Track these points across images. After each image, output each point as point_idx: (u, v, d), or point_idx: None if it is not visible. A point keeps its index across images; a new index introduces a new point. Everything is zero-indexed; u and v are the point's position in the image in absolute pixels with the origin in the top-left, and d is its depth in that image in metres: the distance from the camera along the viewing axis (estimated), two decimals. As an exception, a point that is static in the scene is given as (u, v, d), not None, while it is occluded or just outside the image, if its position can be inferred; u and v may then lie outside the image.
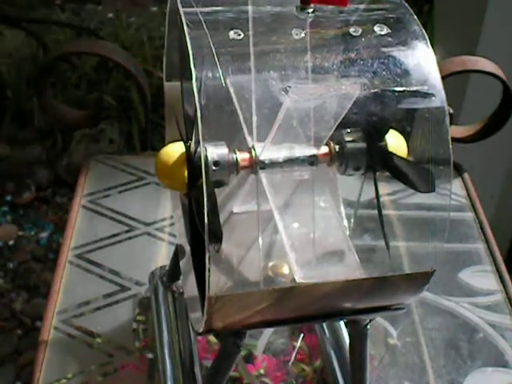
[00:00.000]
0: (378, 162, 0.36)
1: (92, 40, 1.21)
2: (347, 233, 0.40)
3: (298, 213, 0.36)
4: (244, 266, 0.38)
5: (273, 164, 0.34)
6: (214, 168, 0.33)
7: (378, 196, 0.37)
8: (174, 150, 0.33)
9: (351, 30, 0.36)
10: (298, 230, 0.36)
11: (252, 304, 0.34)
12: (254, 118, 0.34)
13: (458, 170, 0.71)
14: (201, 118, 0.30)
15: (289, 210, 0.35)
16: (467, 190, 0.70)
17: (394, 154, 0.35)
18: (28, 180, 1.30)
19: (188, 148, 0.33)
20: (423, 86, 0.35)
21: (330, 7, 0.35)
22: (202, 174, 0.31)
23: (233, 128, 0.35)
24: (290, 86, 0.34)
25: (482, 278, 0.62)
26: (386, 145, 0.35)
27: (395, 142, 0.36)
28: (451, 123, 0.34)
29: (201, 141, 0.31)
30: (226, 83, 0.34)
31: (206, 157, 0.33)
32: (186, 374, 0.49)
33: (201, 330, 0.34)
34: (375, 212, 0.39)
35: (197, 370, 0.50)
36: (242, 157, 0.34)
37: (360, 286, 0.35)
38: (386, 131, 0.35)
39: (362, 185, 0.38)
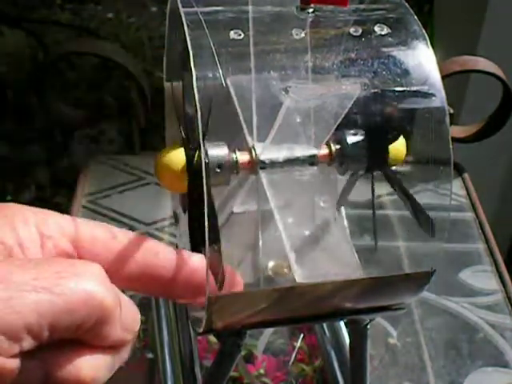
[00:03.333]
0: (377, 163, 0.36)
1: (92, 40, 1.21)
2: (347, 233, 0.40)
3: (298, 213, 0.36)
4: (244, 266, 0.38)
5: (273, 164, 0.34)
6: (216, 170, 0.33)
7: (406, 192, 0.37)
8: (174, 151, 0.33)
9: (351, 30, 0.36)
10: (298, 229, 0.36)
11: (252, 304, 0.34)
12: (254, 118, 0.34)
13: (458, 170, 0.71)
14: (201, 118, 0.30)
15: (289, 210, 0.35)
16: (467, 190, 0.70)
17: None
18: (28, 180, 1.30)
19: (188, 148, 0.33)
20: (423, 86, 0.35)
21: (330, 7, 0.35)
22: (203, 175, 0.31)
23: (233, 128, 0.35)
24: (290, 86, 0.34)
25: (482, 278, 0.62)
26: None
27: (395, 143, 0.36)
28: (451, 123, 0.34)
29: (201, 141, 0.31)
30: (226, 83, 0.34)
31: (206, 157, 0.33)
32: (186, 374, 0.49)
33: (201, 330, 0.34)
34: (376, 212, 0.39)
35: (197, 369, 0.50)
36: (242, 157, 0.34)
37: (360, 286, 0.35)
38: (393, 138, 0.35)
39: (372, 185, 0.38)
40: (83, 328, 0.25)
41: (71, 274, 0.25)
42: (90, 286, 0.25)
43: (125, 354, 0.28)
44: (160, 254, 0.30)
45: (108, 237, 0.29)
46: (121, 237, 0.30)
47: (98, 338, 0.26)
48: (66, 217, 0.29)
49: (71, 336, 0.25)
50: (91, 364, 0.26)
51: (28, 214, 0.28)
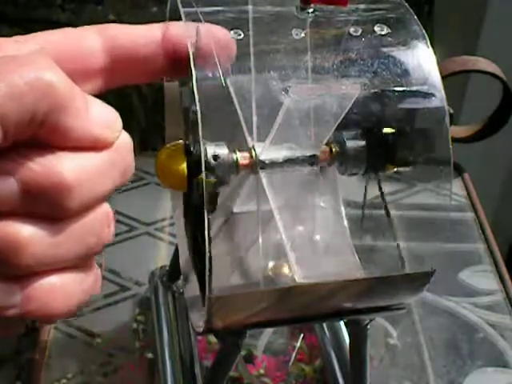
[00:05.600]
0: (378, 162, 0.36)
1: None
2: (347, 233, 0.40)
3: (298, 213, 0.36)
4: (244, 266, 0.38)
5: (273, 164, 0.34)
6: (213, 163, 0.33)
7: (383, 196, 0.37)
8: (174, 150, 0.33)
9: (351, 30, 0.36)
10: (298, 229, 0.36)
11: (252, 304, 0.34)
12: (254, 118, 0.34)
13: (458, 170, 0.71)
14: (201, 117, 0.30)
15: (289, 210, 0.35)
16: (467, 189, 0.70)
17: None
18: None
19: (188, 148, 0.33)
20: (423, 86, 0.35)
21: (330, 7, 0.35)
22: (202, 174, 0.31)
23: (233, 128, 0.35)
24: (290, 86, 0.34)
25: (482, 278, 0.62)
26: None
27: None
28: (451, 123, 0.34)
29: (200, 141, 0.31)
30: (226, 83, 0.34)
31: (206, 157, 0.33)
32: (186, 374, 0.49)
33: (201, 330, 0.34)
34: (375, 212, 0.39)
35: (197, 370, 0.50)
36: (242, 157, 0.34)
37: (360, 286, 0.35)
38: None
39: (366, 185, 0.38)
40: (38, 118, 0.23)
41: (13, 63, 0.23)
42: (34, 69, 0.23)
43: (119, 159, 0.26)
44: (133, 36, 0.29)
45: (70, 42, 0.27)
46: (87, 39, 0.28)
47: (63, 133, 0.23)
48: (21, 37, 0.27)
49: (29, 133, 0.23)
50: (72, 164, 0.23)
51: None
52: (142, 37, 0.29)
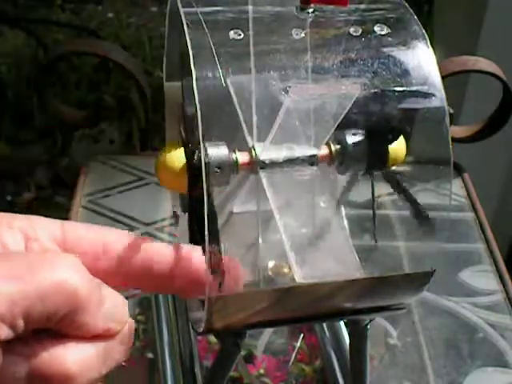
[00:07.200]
0: (377, 163, 0.36)
1: (92, 40, 1.21)
2: (347, 233, 0.40)
3: (298, 213, 0.36)
4: (244, 266, 0.38)
5: (273, 164, 0.34)
6: (216, 170, 0.33)
7: (406, 193, 0.37)
8: (174, 151, 0.33)
9: (351, 29, 0.36)
10: (298, 230, 0.36)
11: (252, 304, 0.34)
12: (254, 118, 0.34)
13: (458, 170, 0.71)
14: (201, 118, 0.30)
15: (289, 210, 0.35)
16: (467, 190, 0.70)
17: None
18: (28, 180, 1.30)
19: (188, 148, 0.33)
20: (423, 86, 0.35)
21: (330, 7, 0.35)
22: (203, 175, 0.31)
23: (233, 128, 0.35)
24: (290, 86, 0.34)
25: (482, 278, 0.62)
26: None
27: (395, 143, 0.36)
28: (451, 123, 0.34)
29: (201, 141, 0.31)
30: (226, 83, 0.34)
31: (207, 158, 0.33)
32: (186, 374, 0.49)
33: (201, 330, 0.34)
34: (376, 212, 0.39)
35: (197, 369, 0.50)
36: (242, 157, 0.34)
37: (360, 286, 0.35)
38: (393, 138, 0.35)
39: (372, 185, 0.38)
40: (57, 317, 0.25)
41: (44, 263, 0.25)
42: (61, 274, 0.25)
43: (119, 346, 0.28)
44: (153, 252, 0.30)
45: (97, 237, 0.30)
46: (111, 237, 0.30)
47: (76, 327, 0.26)
48: (53, 221, 0.29)
49: (47, 326, 0.25)
50: (76, 355, 0.26)
51: (13, 220, 0.28)
52: (156, 253, 0.30)
